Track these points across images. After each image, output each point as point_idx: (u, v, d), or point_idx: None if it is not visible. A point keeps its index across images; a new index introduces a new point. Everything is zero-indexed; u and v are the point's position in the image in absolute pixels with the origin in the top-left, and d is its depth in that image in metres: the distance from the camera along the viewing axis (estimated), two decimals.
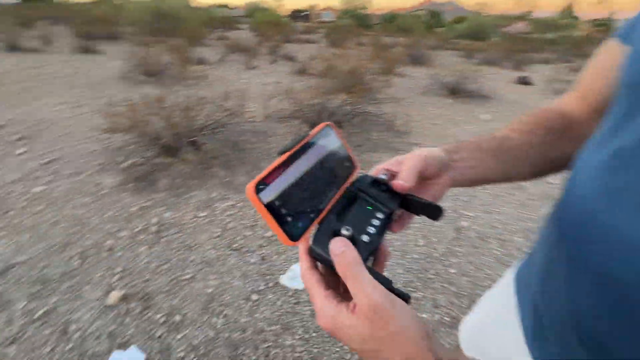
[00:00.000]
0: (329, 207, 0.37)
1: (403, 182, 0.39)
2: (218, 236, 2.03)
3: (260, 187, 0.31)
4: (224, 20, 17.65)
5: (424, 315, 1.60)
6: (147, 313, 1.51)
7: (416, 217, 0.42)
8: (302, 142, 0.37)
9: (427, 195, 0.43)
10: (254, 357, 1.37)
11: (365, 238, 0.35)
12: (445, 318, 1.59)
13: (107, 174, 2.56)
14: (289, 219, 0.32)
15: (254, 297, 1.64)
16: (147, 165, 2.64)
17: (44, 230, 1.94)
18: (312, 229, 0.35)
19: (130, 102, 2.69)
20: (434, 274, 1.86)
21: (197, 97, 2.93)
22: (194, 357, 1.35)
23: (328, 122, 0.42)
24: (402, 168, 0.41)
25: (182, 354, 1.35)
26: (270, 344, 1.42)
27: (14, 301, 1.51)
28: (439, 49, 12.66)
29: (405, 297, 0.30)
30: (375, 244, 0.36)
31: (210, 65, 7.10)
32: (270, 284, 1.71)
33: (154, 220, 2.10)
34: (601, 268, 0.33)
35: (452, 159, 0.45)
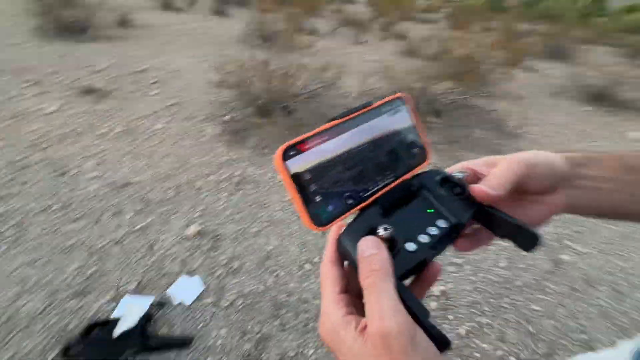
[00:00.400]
0: (376, 196, 0.30)
1: (488, 188, 0.29)
2: (288, 200, 2.10)
3: (291, 153, 0.26)
4: None
5: (484, 345, 1.40)
6: (213, 252, 1.69)
7: (497, 239, 0.31)
8: (362, 111, 0.30)
9: (522, 215, 0.31)
10: (293, 322, 1.41)
11: (411, 247, 0.27)
12: (510, 357, 1.36)
13: (210, 123, 2.88)
14: (318, 198, 0.27)
15: (307, 266, 1.67)
16: (243, 122, 2.87)
17: (155, 161, 2.32)
18: (347, 218, 0.29)
19: (239, 62, 2.92)
20: (509, 304, 1.59)
21: (298, 64, 3.00)
22: (241, 304, 1.46)
23: (402, 94, 0.34)
24: (492, 170, 0.31)
25: (232, 297, 1.48)
26: (310, 316, 1.44)
27: (125, 212, 1.86)
28: (592, 44, 10.25)
29: (442, 342, 0.23)
30: (423, 258, 0.28)
31: (320, 37, 7.21)
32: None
33: (238, 172, 2.29)
34: None
35: (578, 173, 0.33)
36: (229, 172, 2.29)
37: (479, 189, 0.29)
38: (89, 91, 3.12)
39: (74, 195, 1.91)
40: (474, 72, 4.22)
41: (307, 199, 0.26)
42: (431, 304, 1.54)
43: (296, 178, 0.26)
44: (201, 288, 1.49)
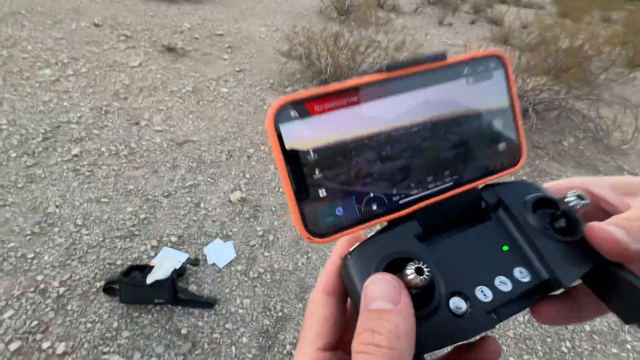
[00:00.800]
0: (418, 206, 0.20)
1: (627, 235, 0.17)
2: None
3: (292, 113, 0.17)
4: None
5: None
6: (253, 221, 1.69)
7: (610, 314, 0.19)
8: (427, 66, 0.19)
9: None
10: None
11: (459, 305, 0.17)
12: None
13: (273, 92, 2.87)
14: (322, 193, 0.18)
15: None
16: None
17: (215, 123, 2.39)
18: (363, 231, 0.20)
19: (309, 32, 2.81)
20: (569, 349, 1.33)
21: (370, 41, 2.79)
22: (269, 278, 1.44)
23: (500, 52, 0.21)
24: (635, 203, 0.19)
25: (261, 270, 1.47)
26: None
27: (180, 167, 1.95)
28: None
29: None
30: (474, 328, 0.17)
31: (402, 14, 6.72)
32: None
33: None
34: None
35: None
36: None
37: (609, 235, 0.17)
38: (170, 49, 3.32)
39: (140, 145, 2.06)
40: (579, 69, 3.54)
41: (303, 190, 0.17)
42: None
43: (292, 156, 0.17)
44: (233, 255, 1.50)
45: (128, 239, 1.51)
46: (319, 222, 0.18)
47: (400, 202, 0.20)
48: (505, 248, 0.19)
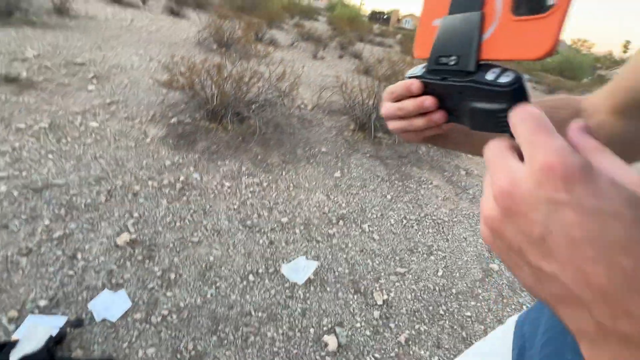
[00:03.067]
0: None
1: None
2: (235, 209, 2.02)
3: None
4: (305, 9, 17.98)
5: (421, 352, 1.44)
6: (148, 263, 1.54)
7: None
8: None
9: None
10: (232, 337, 1.32)
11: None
12: None
13: (155, 125, 2.69)
14: None
15: (251, 277, 1.60)
16: (192, 126, 2.73)
17: (86, 162, 2.08)
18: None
19: (191, 63, 2.80)
20: (445, 311, 1.67)
21: (254, 71, 2.96)
22: (176, 318, 1.34)
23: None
24: None
25: (165, 312, 1.35)
26: (251, 329, 1.37)
27: (41, 217, 1.63)
28: None
29: None
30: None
31: (280, 48, 7.24)
32: (271, 270, 1.66)
33: (182, 178, 2.16)
34: None
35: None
36: (173, 177, 2.14)
37: None
38: (9, 80, 2.74)
39: None
40: None
41: None
42: (374, 313, 1.56)
43: None
44: (128, 304, 1.34)
45: None
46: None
47: None
48: None
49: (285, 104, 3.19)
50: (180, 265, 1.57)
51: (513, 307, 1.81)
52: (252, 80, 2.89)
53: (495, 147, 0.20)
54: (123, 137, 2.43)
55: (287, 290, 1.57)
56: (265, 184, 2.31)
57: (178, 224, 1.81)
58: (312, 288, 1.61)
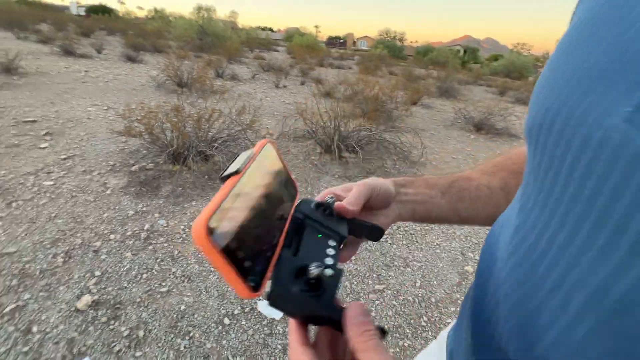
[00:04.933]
0: (281, 240, 0.31)
1: (349, 205, 0.38)
2: None
3: (212, 225, 0.22)
4: (263, 42, 18.55)
5: None
6: (113, 323, 1.45)
7: (361, 242, 0.42)
8: (249, 163, 0.29)
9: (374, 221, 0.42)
10: None
11: (328, 272, 0.28)
12: None
13: (115, 175, 2.61)
14: (247, 264, 0.25)
15: (226, 320, 1.54)
16: (154, 171, 2.68)
17: (40, 224, 1.98)
18: (270, 272, 0.28)
19: (148, 109, 2.79)
20: (427, 322, 1.68)
21: (213, 109, 2.98)
22: None
23: (268, 139, 0.36)
24: (349, 194, 0.40)
25: None
26: None
27: None
28: (472, 85, 12.49)
29: (382, 332, 0.26)
30: (339, 277, 0.30)
31: (242, 82, 7.38)
32: (247, 309, 1.61)
33: (147, 226, 2.09)
34: None
35: (400, 192, 0.44)
36: (137, 227, 2.07)
37: (341, 206, 0.37)
38: None
39: None
40: (380, 110, 4.72)
41: (241, 269, 0.23)
42: None
43: (226, 252, 0.22)
44: None
45: None
46: (255, 282, 0.25)
47: (274, 242, 0.30)
48: (319, 235, 0.34)
49: (248, 137, 3.21)
50: (149, 320, 1.49)
51: None
52: (213, 118, 2.91)
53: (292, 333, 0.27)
54: (80, 192, 2.34)
55: (265, 328, 1.52)
56: None
57: (145, 275, 1.73)
58: None
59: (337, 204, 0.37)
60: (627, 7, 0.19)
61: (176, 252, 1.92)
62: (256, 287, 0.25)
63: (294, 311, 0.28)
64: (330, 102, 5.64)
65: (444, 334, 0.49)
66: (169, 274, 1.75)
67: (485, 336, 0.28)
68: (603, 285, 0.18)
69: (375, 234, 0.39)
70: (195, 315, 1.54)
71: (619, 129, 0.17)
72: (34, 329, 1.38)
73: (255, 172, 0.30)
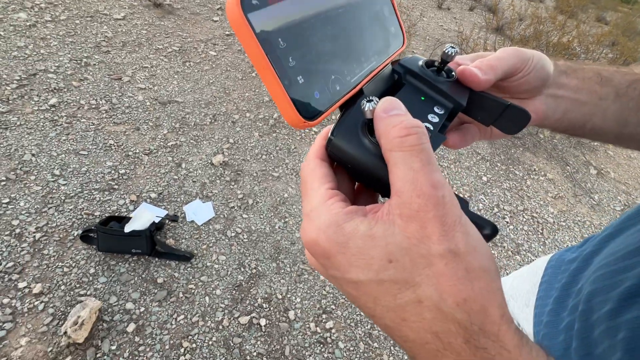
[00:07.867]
0: (363, 83, 0.24)
1: (479, 71, 0.26)
2: None
3: (254, 1, 0.17)
4: None
5: None
6: (233, 185, 1.72)
7: (485, 132, 0.32)
8: None
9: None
10: (288, 269, 1.43)
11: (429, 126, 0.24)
12: None
13: None
14: (300, 79, 0.19)
15: None
16: None
17: (201, 86, 2.35)
18: (333, 110, 0.22)
19: None
20: None
21: None
22: (246, 238, 1.50)
23: None
24: (485, 58, 0.28)
25: (239, 230, 1.52)
26: (307, 268, 1.45)
27: (162, 127, 1.94)
28: None
29: (491, 229, 0.19)
30: (441, 142, 0.23)
31: None
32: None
33: (275, 115, 2.26)
34: None
35: (559, 81, 0.31)
36: (268, 114, 2.27)
37: (469, 72, 0.26)
38: (157, 5, 3.17)
39: (122, 101, 2.01)
40: None
41: (286, 77, 0.18)
42: None
43: (265, 42, 0.17)
44: (212, 214, 1.54)
45: (107, 192, 1.52)
46: (307, 108, 0.19)
47: (352, 80, 0.23)
48: (423, 98, 0.26)
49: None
50: (259, 193, 1.71)
51: None
52: None
53: (309, 173, 0.21)
54: (233, 68, 2.63)
55: None
56: None
57: (264, 157, 1.94)
58: None
59: (461, 67, 0.27)
60: None
61: (293, 147, 2.06)
62: (308, 115, 0.19)
63: (345, 163, 0.21)
64: (500, 39, 4.60)
65: (539, 263, 0.45)
66: (283, 163, 1.92)
67: None
68: None
69: (516, 120, 0.26)
70: (294, 207, 1.70)
71: None
72: (183, 165, 1.75)
73: None
